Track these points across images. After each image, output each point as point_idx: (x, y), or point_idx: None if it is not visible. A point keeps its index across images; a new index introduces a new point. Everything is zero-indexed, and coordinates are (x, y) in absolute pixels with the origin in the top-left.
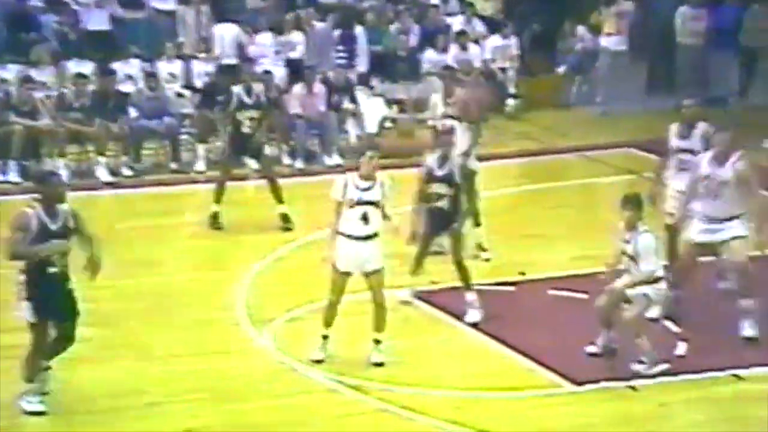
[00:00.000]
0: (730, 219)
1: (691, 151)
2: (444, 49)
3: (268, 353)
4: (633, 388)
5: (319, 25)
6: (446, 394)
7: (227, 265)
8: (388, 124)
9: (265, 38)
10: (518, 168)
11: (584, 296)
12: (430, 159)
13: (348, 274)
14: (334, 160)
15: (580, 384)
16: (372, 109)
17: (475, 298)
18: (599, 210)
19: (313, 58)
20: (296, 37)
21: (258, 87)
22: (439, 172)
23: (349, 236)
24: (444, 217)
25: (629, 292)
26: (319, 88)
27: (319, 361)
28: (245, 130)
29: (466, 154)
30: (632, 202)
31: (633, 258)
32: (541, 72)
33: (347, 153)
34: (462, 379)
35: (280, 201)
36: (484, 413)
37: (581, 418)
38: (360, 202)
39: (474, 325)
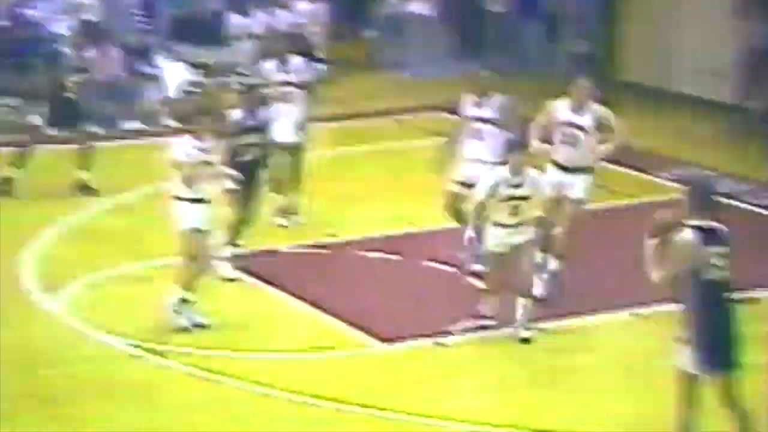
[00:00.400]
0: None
1: (487, 120)
2: (249, 14)
3: (66, 321)
4: (442, 344)
5: None
6: (256, 357)
7: (22, 231)
8: (192, 89)
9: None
10: (330, 132)
11: (396, 257)
12: (236, 113)
13: (198, 231)
14: (132, 124)
15: (390, 342)
16: (173, 73)
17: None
18: (410, 172)
19: (109, 21)
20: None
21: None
22: (250, 122)
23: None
24: (254, 169)
25: None
26: (115, 51)
27: (201, 325)
28: (70, 94)
29: (301, 126)
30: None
31: None
32: (351, 36)
33: (146, 117)
34: (272, 343)
35: (85, 167)
36: (295, 375)
37: (391, 374)
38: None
39: (286, 289)
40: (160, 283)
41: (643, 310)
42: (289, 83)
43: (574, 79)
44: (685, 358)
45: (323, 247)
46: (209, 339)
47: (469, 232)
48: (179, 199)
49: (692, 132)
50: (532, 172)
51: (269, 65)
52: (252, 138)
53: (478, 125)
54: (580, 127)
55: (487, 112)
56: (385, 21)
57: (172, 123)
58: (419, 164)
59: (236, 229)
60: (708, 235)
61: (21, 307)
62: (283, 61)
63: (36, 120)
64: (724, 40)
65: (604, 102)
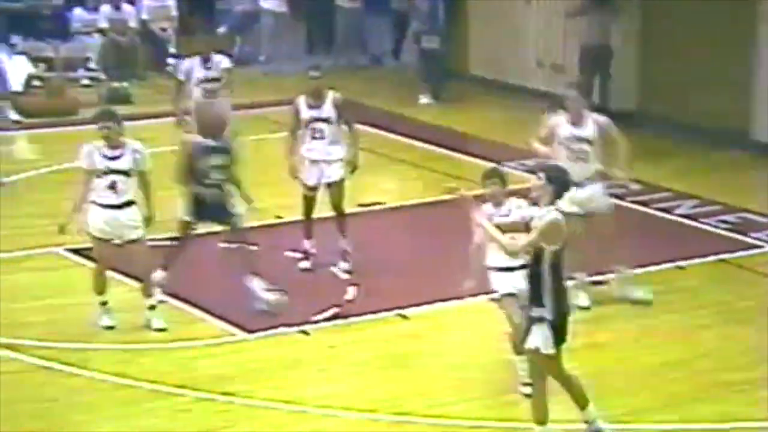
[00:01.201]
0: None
1: (325, 120)
2: (95, 9)
3: None
4: (305, 332)
5: None
6: (112, 347)
7: None
8: (36, 82)
9: None
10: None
11: (254, 248)
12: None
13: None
14: None
15: (251, 332)
16: (16, 67)
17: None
18: (266, 165)
19: None
20: None
21: None
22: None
23: (101, 205)
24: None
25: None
26: None
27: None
28: None
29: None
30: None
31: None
32: (201, 31)
33: None
34: (128, 333)
35: None
36: (153, 364)
37: (253, 363)
38: (108, 171)
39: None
40: (15, 276)
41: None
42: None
43: (564, 96)
44: (539, 338)
45: (174, 239)
46: (64, 332)
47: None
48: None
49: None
50: (515, 202)
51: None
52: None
53: (318, 125)
54: (585, 140)
55: (324, 112)
56: (237, 16)
57: (16, 116)
58: (275, 157)
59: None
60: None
61: None
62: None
63: None
64: (564, 36)
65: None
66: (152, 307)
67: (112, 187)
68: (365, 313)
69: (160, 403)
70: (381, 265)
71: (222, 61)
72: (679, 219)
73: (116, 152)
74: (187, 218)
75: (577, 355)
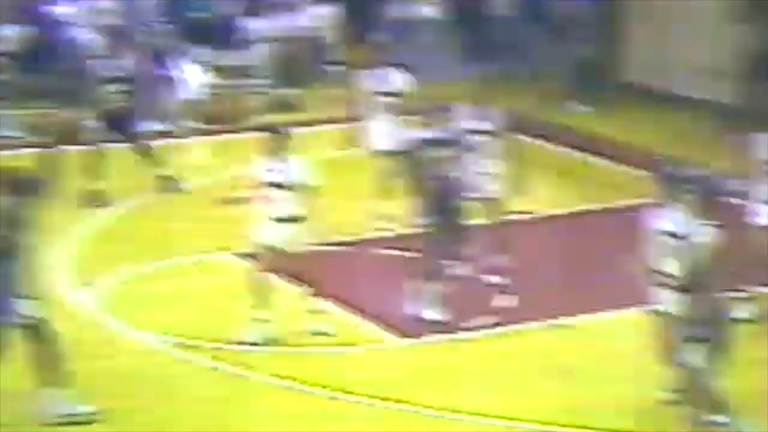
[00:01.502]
0: None
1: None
2: (266, 18)
3: (96, 315)
4: (464, 340)
5: None
6: (276, 350)
7: (56, 227)
8: (210, 90)
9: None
10: (343, 133)
11: (414, 255)
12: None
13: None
14: (156, 125)
15: (411, 337)
16: (193, 75)
17: None
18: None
19: (133, 24)
20: (107, 3)
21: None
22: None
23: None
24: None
25: None
26: (138, 54)
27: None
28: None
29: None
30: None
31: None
32: (362, 39)
33: (166, 118)
34: (291, 336)
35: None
36: (312, 367)
37: (412, 369)
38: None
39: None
40: (188, 279)
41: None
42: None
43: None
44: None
45: (342, 245)
46: (235, 334)
47: None
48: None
49: (692, 132)
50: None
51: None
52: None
53: (476, 137)
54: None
55: (484, 125)
56: (395, 24)
57: (192, 124)
58: None
59: None
60: None
61: (55, 303)
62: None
63: (91, 124)
64: (723, 42)
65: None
66: (315, 312)
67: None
68: (523, 322)
69: (321, 406)
70: (538, 273)
71: (398, 77)
72: None
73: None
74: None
75: (738, 371)
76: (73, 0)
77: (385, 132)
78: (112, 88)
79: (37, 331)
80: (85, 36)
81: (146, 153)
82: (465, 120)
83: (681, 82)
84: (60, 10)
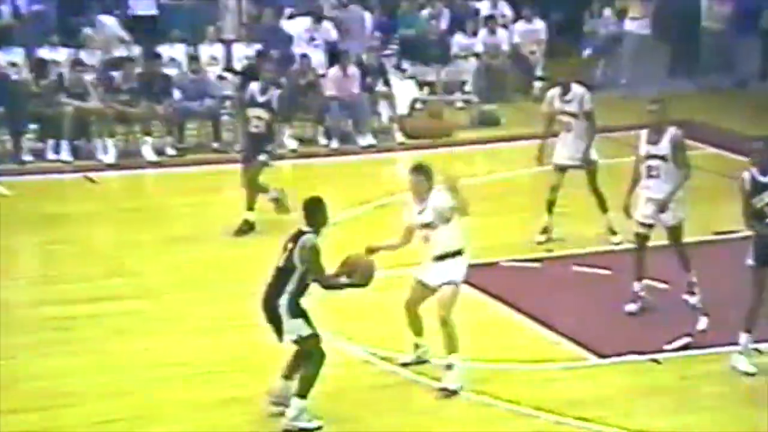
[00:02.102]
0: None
1: (661, 158)
2: (473, 33)
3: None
4: (656, 361)
5: (353, 9)
6: (474, 366)
7: (268, 241)
8: (418, 105)
9: (300, 23)
10: (548, 149)
11: (607, 272)
12: (253, 85)
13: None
14: (368, 140)
15: (604, 357)
16: (403, 91)
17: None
18: (623, 189)
19: (348, 42)
20: (329, 22)
21: (272, 89)
22: (260, 99)
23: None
24: (258, 140)
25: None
26: (353, 70)
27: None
28: (252, 129)
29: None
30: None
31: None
32: (568, 55)
33: (380, 134)
34: (489, 352)
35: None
36: (511, 385)
37: (604, 389)
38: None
39: (498, 299)
40: (396, 292)
41: None
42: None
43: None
44: None
45: (538, 261)
46: (433, 348)
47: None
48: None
49: None
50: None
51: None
52: (259, 113)
53: (654, 162)
54: (661, 158)
55: (661, 149)
56: (602, 39)
57: (402, 138)
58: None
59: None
60: None
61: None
62: (565, 91)
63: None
64: None
65: None
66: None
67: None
68: (717, 345)
69: (516, 423)
70: (734, 295)
71: (583, 96)
72: None
73: (422, 206)
74: (751, 263)
75: None
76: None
77: (561, 147)
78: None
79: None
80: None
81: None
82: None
83: None
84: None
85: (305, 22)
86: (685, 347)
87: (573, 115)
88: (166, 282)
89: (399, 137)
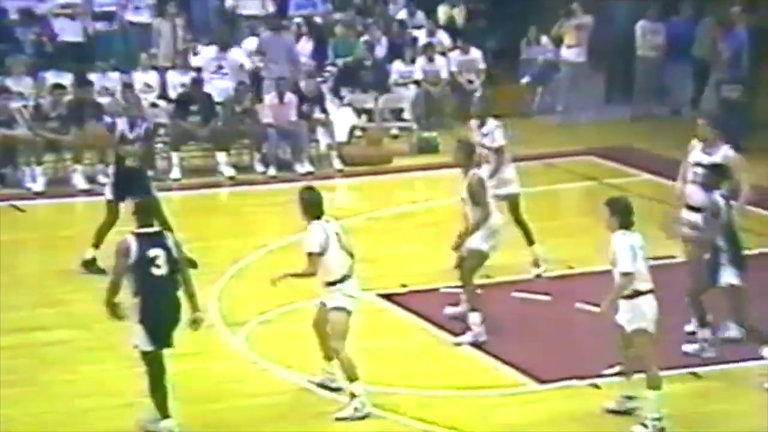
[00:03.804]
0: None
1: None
2: (412, 61)
3: (241, 354)
4: (596, 386)
5: (279, 36)
6: (415, 393)
7: (200, 269)
8: (357, 132)
9: (207, 52)
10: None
11: (547, 298)
12: (120, 122)
13: None
14: (306, 167)
15: (544, 382)
16: (341, 118)
17: None
18: (562, 215)
19: (283, 70)
20: (237, 52)
21: (142, 123)
22: (130, 135)
23: None
24: (132, 176)
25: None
26: (290, 97)
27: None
28: (126, 165)
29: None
30: (613, 206)
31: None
32: (505, 82)
33: (317, 161)
34: (429, 379)
35: None
36: (451, 411)
37: (544, 414)
38: None
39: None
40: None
41: None
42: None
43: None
44: None
45: (478, 287)
46: (371, 375)
47: None
48: None
49: None
50: None
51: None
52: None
53: (699, 170)
54: (710, 167)
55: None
56: (539, 67)
57: (340, 165)
58: (570, 207)
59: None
60: None
61: (205, 341)
62: (481, 124)
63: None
64: None
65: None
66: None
67: None
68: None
69: None
70: (671, 320)
71: (494, 131)
72: None
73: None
74: None
75: None
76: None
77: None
78: None
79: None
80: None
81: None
82: None
83: None
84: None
85: (211, 51)
86: (620, 373)
87: (488, 148)
88: (96, 311)
89: (337, 164)
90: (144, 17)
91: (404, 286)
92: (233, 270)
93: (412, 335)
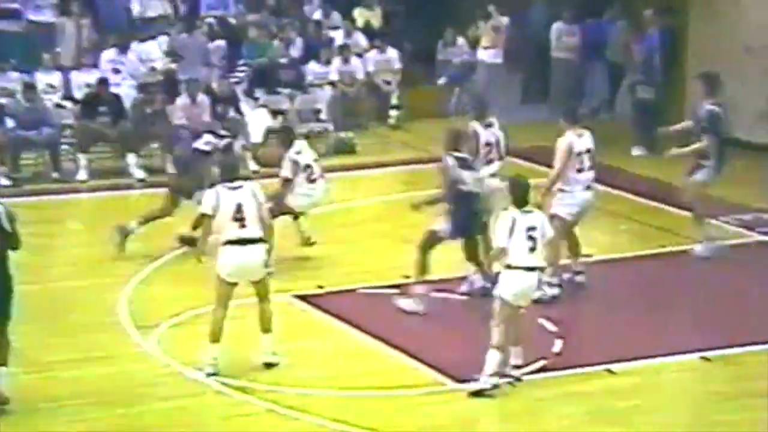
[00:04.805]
0: None
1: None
2: (327, 62)
3: (153, 357)
4: (512, 384)
5: (192, 37)
6: (331, 394)
7: (111, 272)
8: (273, 134)
9: (105, 54)
10: (401, 176)
11: (465, 297)
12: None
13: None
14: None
15: (462, 381)
16: (256, 119)
17: None
18: None
19: (195, 71)
20: (145, 52)
21: None
22: None
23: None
24: None
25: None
26: (202, 98)
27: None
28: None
29: None
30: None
31: None
32: (422, 83)
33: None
34: (347, 379)
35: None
36: (368, 412)
37: (464, 413)
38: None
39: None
40: (242, 321)
41: (711, 354)
42: None
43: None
44: None
45: (397, 287)
46: (289, 376)
47: None
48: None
49: (750, 177)
50: None
51: None
52: None
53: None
54: None
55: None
56: (456, 68)
57: (255, 167)
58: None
59: None
60: None
61: (117, 345)
62: None
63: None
64: None
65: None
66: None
67: None
68: (572, 367)
69: None
70: (589, 318)
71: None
72: None
73: None
74: None
75: None
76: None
77: None
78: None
79: None
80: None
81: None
82: None
83: (740, 127)
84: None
85: (110, 53)
86: (540, 370)
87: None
88: None
89: (253, 166)
90: (46, 16)
91: (321, 287)
92: (144, 273)
93: (329, 336)
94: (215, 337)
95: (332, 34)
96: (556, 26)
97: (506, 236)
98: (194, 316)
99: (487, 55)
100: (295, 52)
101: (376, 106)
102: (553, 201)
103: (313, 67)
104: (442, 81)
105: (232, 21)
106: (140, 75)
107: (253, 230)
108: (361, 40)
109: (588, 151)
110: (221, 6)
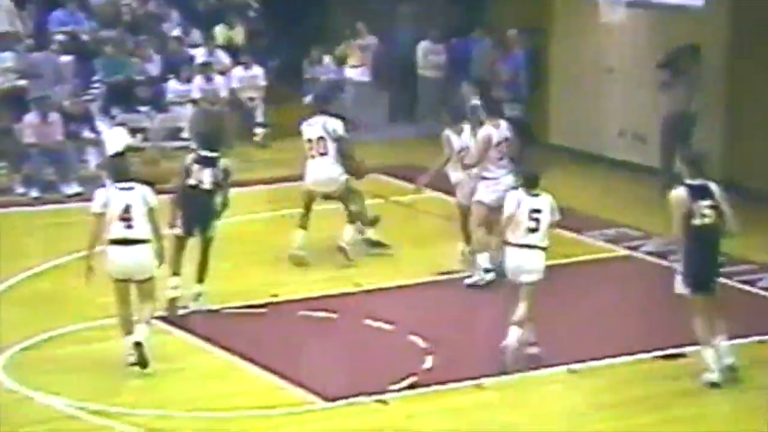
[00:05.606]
0: None
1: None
2: (188, 80)
3: (6, 383)
4: (383, 401)
5: (44, 54)
6: (196, 416)
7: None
8: (132, 153)
9: None
10: (267, 194)
11: (333, 315)
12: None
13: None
14: (73, 188)
15: (331, 400)
16: (114, 137)
17: None
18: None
19: (46, 88)
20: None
21: None
22: None
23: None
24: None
25: None
26: (54, 117)
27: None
28: None
29: None
30: None
31: None
32: (288, 101)
33: (87, 182)
34: (213, 400)
35: None
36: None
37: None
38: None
39: (226, 348)
40: (99, 344)
41: (580, 366)
42: None
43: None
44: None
45: (262, 306)
46: (151, 399)
47: None
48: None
49: (618, 193)
50: None
51: None
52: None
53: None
54: None
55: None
56: (323, 86)
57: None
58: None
59: None
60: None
61: None
62: None
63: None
64: (648, 107)
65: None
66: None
67: None
68: (443, 383)
69: None
70: (458, 334)
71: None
72: (762, 292)
73: None
74: None
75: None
76: None
77: None
78: None
79: None
80: None
81: None
82: None
83: (605, 145)
84: None
85: None
86: (411, 386)
87: None
88: None
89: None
90: None
91: (184, 308)
92: None
93: (192, 357)
94: (127, 330)
95: (193, 51)
96: (423, 45)
97: (507, 214)
98: (47, 339)
99: (354, 73)
100: (154, 69)
101: (240, 124)
102: (478, 187)
103: (173, 85)
104: (308, 99)
105: (85, 37)
106: None
107: (139, 231)
108: (223, 57)
109: (506, 139)
110: (72, 22)
